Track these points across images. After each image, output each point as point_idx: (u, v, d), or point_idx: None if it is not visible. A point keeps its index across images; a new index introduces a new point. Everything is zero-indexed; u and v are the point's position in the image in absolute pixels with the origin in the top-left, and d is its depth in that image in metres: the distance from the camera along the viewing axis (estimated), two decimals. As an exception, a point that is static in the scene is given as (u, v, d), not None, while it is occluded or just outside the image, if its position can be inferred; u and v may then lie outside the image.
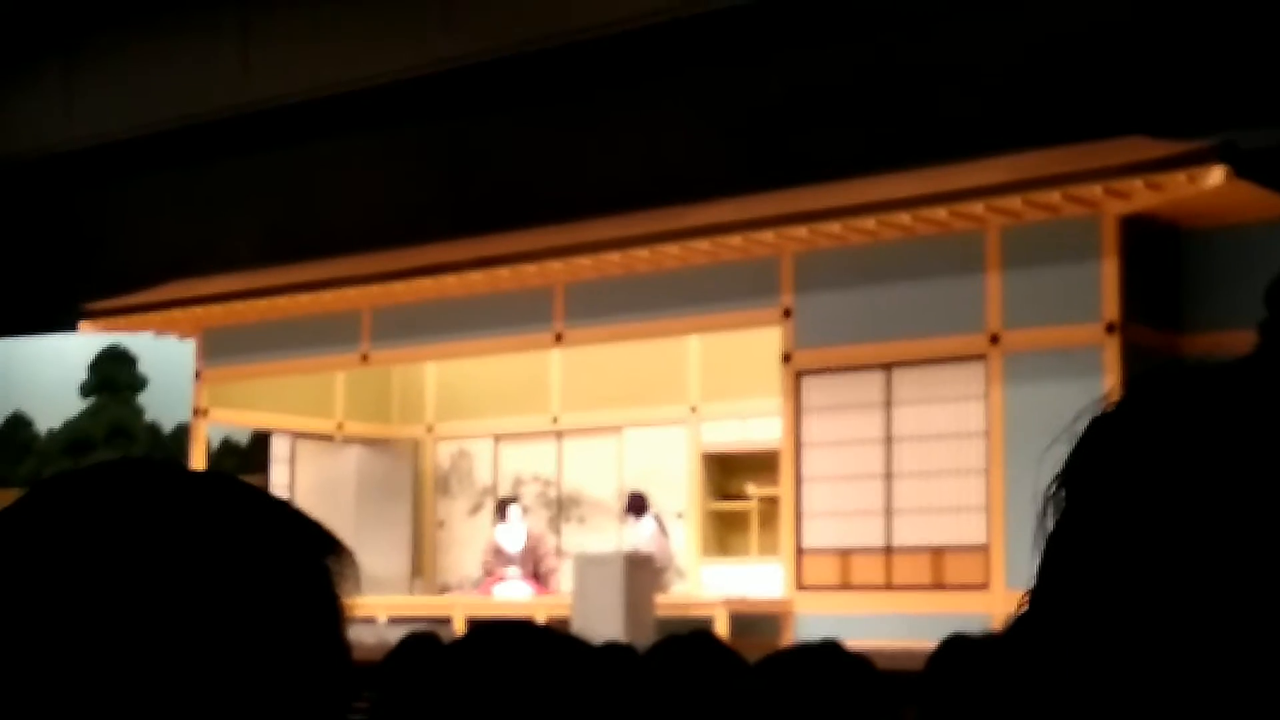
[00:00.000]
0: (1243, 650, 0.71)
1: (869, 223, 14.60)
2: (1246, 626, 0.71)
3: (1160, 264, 14.25)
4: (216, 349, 19.96)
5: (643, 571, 14.57)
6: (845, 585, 14.97)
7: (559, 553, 18.57)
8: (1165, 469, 0.74)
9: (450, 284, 17.50)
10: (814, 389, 15.35)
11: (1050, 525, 0.79)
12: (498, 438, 20.27)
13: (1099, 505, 0.76)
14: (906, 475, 14.73)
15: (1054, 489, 0.79)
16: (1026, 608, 0.79)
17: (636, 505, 17.46)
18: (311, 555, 1.04)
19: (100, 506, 1.01)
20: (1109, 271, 13.82)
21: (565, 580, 17.05)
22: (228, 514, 1.02)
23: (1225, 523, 0.72)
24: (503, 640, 1.92)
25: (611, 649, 3.32)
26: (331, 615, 1.03)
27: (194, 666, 0.97)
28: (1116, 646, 0.73)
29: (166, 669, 0.96)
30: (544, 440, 19.86)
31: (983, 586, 13.97)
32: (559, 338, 17.42)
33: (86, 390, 41.91)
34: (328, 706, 1.02)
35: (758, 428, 17.16)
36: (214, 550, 1.00)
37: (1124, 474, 0.76)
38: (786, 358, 15.54)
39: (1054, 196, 13.74)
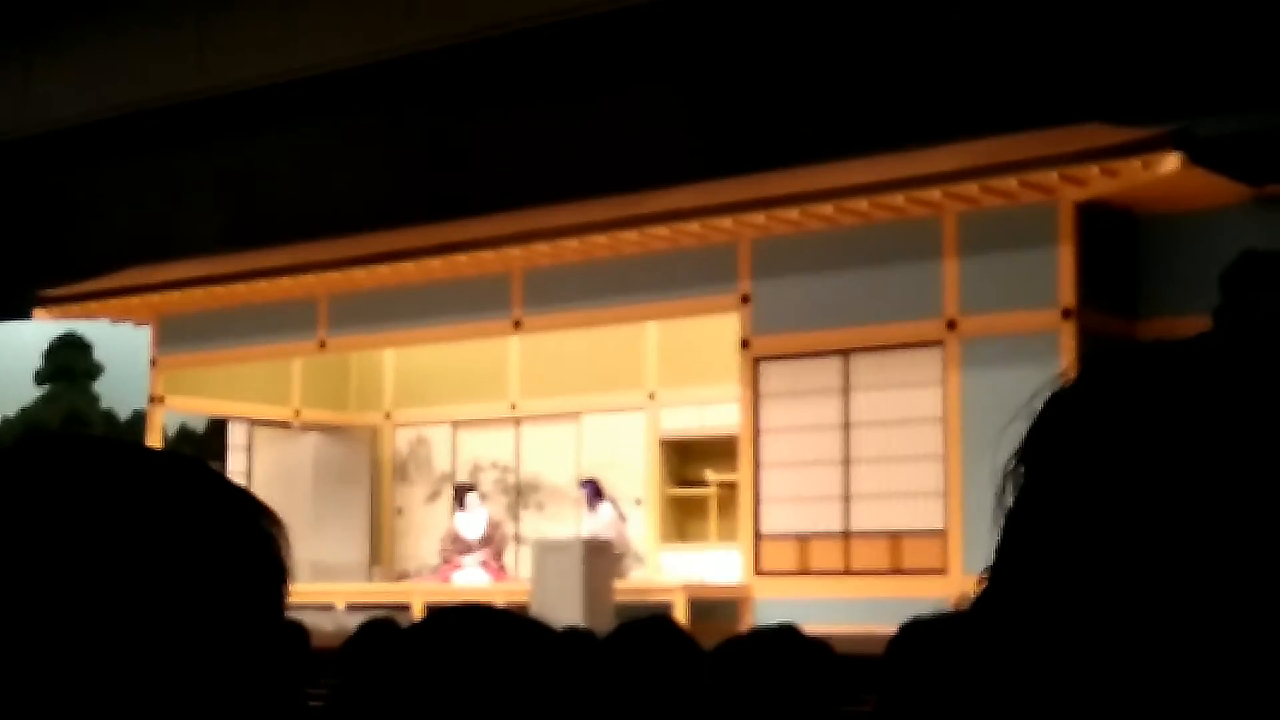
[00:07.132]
0: (1203, 621, 0.71)
1: (827, 209, 14.62)
2: (1205, 597, 0.71)
3: (1116, 250, 14.31)
4: (172, 336, 19.86)
5: (602, 557, 14.58)
6: (804, 570, 15.00)
7: (518, 539, 18.56)
8: (1123, 444, 0.75)
9: (408, 270, 17.45)
10: (772, 375, 15.37)
11: (1009, 502, 0.79)
12: (456, 424, 20.24)
13: (1058, 481, 0.77)
14: (864, 461, 14.77)
15: (1013, 465, 0.79)
16: (986, 585, 0.79)
17: (593, 491, 17.36)
18: (252, 520, 1.04)
19: (31, 478, 1.01)
20: (1065, 257, 13.88)
21: (524, 566, 17.04)
22: (165, 482, 1.02)
23: (1183, 496, 0.73)
24: (462, 625, 1.91)
25: (571, 634, 3.32)
26: (275, 578, 1.04)
27: (141, 627, 0.97)
28: (1077, 621, 0.74)
29: (112, 631, 0.96)
30: (502, 427, 19.83)
31: (940, 571, 14.03)
32: (517, 324, 17.40)
33: (41, 378, 41.70)
34: (275, 667, 1.02)
35: (716, 414, 17.17)
36: (154, 516, 1.00)
37: (1082, 449, 0.76)
38: (745, 344, 15.55)
39: (1011, 183, 13.78)
